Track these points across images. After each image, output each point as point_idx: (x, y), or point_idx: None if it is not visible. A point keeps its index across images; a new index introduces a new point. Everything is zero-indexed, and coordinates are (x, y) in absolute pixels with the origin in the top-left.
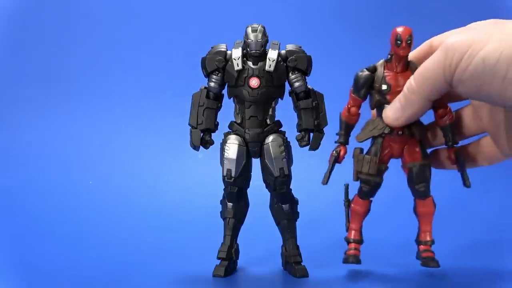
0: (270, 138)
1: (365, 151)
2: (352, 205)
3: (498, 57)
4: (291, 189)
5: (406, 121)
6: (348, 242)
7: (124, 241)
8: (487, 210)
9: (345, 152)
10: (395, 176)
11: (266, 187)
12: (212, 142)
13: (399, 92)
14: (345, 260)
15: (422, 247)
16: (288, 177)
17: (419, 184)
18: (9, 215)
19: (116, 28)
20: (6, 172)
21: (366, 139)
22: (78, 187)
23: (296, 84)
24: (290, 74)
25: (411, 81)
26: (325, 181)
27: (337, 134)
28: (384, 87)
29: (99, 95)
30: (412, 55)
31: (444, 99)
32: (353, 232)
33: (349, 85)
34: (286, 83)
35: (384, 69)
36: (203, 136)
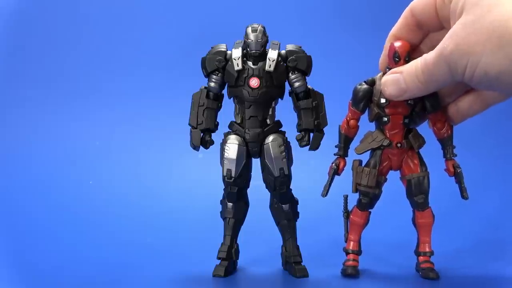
0: (270, 138)
1: (364, 163)
2: (351, 216)
3: (498, 70)
4: (291, 189)
5: (406, 99)
6: (347, 253)
7: (124, 241)
8: (487, 210)
9: (344, 164)
10: (395, 176)
11: (266, 187)
12: (212, 142)
13: (398, 105)
14: (344, 272)
15: (421, 258)
16: (288, 177)
17: (418, 196)
18: (9, 215)
19: (116, 28)
20: (6, 172)
21: (365, 151)
22: (78, 187)
23: (296, 84)
24: (290, 74)
25: (420, 72)
26: (325, 193)
27: (336, 146)
28: (382, 100)
29: (99, 95)
30: (416, 7)
31: (441, 114)
32: (351, 243)
33: (349, 84)
34: (286, 83)
35: None
36: (203, 136)
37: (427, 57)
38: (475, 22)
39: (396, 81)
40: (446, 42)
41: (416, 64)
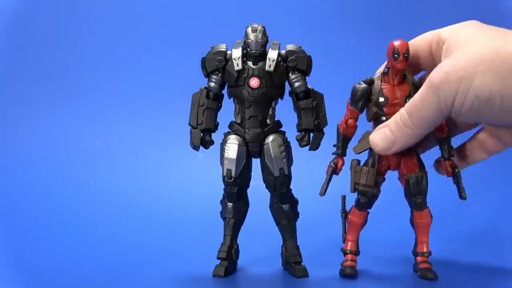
0: (270, 138)
1: (362, 163)
2: (349, 216)
3: (489, 92)
4: (291, 189)
5: (399, 150)
6: (345, 254)
7: (124, 241)
8: (485, 210)
9: (343, 164)
10: (394, 176)
11: (266, 187)
12: (212, 142)
13: (396, 104)
14: (342, 272)
15: (419, 258)
16: (288, 177)
17: (416, 196)
18: (9, 215)
19: (116, 28)
20: (6, 172)
21: (363, 151)
22: (78, 187)
23: (296, 84)
24: (290, 74)
25: (406, 116)
26: (323, 192)
27: (334, 145)
28: (381, 99)
29: (99, 95)
30: (413, 46)
31: None
32: (349, 243)
33: (349, 84)
34: (286, 83)
35: (381, 81)
36: (203, 136)
37: (413, 97)
38: (465, 52)
39: (383, 134)
40: (434, 74)
41: (400, 112)
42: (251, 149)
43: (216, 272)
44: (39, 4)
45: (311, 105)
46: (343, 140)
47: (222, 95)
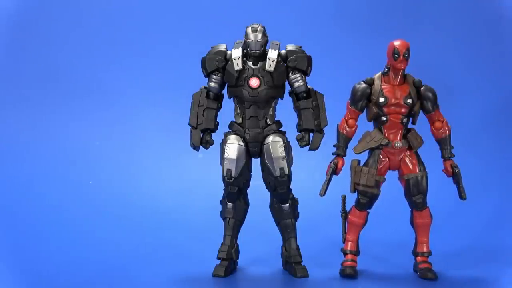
0: (270, 138)
1: (362, 163)
2: (350, 216)
3: None
4: (291, 189)
5: None
6: (345, 254)
7: (124, 241)
8: (486, 210)
9: (343, 164)
10: (394, 176)
11: (266, 187)
12: (212, 142)
13: (396, 104)
14: (342, 272)
15: (419, 258)
16: (288, 177)
17: (416, 196)
18: (6, 216)
19: (115, 28)
20: (4, 172)
21: (363, 151)
22: (78, 187)
23: (296, 84)
24: (290, 74)
25: None
26: (323, 192)
27: (334, 146)
28: (381, 99)
29: (99, 95)
30: None
31: (440, 113)
32: (349, 243)
33: (350, 84)
34: (286, 83)
35: (381, 81)
36: (203, 136)
37: None
38: None
39: None
40: None
41: None
42: (251, 149)
43: (216, 272)
44: (38, 4)
45: (311, 105)
46: (344, 140)
47: (222, 95)
